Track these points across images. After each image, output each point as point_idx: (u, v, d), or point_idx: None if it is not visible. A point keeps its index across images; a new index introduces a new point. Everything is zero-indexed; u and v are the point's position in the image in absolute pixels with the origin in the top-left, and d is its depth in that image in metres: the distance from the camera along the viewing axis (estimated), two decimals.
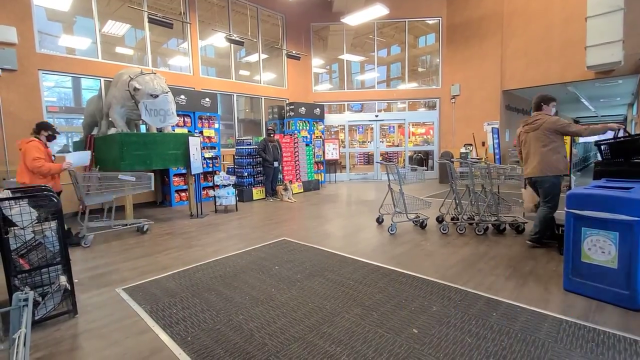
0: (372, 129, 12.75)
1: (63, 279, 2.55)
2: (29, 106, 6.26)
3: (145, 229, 5.32)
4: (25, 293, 1.44)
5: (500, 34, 10.32)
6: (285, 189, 8.13)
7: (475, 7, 10.76)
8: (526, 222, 4.75)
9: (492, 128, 8.84)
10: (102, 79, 7.27)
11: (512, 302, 2.68)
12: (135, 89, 5.74)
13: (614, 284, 2.59)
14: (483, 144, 10.67)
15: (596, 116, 21.36)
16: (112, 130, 6.51)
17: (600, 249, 2.64)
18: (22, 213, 2.47)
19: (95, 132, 7.28)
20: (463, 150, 10.26)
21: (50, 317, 2.55)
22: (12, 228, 2.47)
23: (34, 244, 2.55)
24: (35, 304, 2.46)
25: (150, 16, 7.27)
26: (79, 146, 7.22)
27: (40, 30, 6.47)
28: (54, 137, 4.71)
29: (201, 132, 8.07)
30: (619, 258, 2.55)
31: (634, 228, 2.45)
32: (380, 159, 12.10)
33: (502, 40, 10.31)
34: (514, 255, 3.79)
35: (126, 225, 5.37)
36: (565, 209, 2.83)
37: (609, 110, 18.50)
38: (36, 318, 2.46)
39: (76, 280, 3.29)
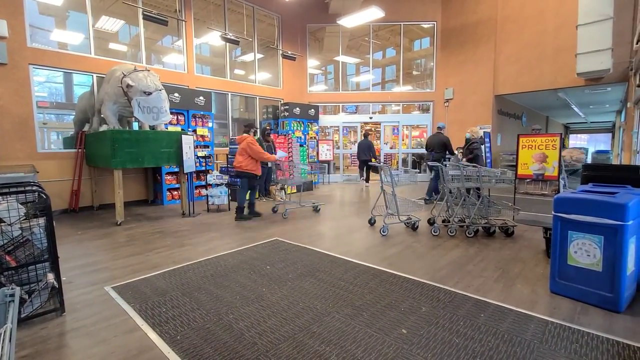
0: (366, 130, 12.77)
1: (50, 277, 2.52)
2: (18, 101, 6.16)
3: (318, 209, 6.46)
4: (12, 289, 1.42)
5: (494, 40, 10.46)
6: (281, 189, 8.12)
7: (470, 12, 10.90)
8: (515, 226, 4.82)
9: (484, 132, 8.95)
10: (95, 75, 7.18)
11: (499, 303, 2.72)
12: (129, 86, 5.70)
13: (599, 286, 2.64)
14: None
15: (586, 122, 21.77)
16: (104, 127, 6.44)
17: (585, 252, 2.70)
18: (9, 209, 2.43)
19: (86, 128, 7.20)
20: (455, 153, 10.35)
21: (37, 315, 2.51)
22: None
23: (22, 240, 2.52)
24: (22, 301, 2.43)
25: (144, 13, 7.21)
26: (69, 142, 7.13)
27: (31, 24, 6.37)
28: (255, 133, 6.58)
29: (195, 131, 8.02)
30: (603, 261, 2.61)
31: (618, 232, 2.51)
32: (374, 161, 12.14)
33: (496, 46, 10.46)
34: (503, 257, 3.84)
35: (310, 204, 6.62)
36: (552, 212, 2.88)
37: (598, 116, 18.88)
38: (22, 316, 2.42)
39: (64, 278, 3.24)
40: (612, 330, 2.33)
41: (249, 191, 6.12)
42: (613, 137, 20.08)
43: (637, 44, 6.83)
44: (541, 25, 9.58)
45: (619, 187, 3.05)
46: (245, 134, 6.01)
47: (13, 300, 1.40)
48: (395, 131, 13.05)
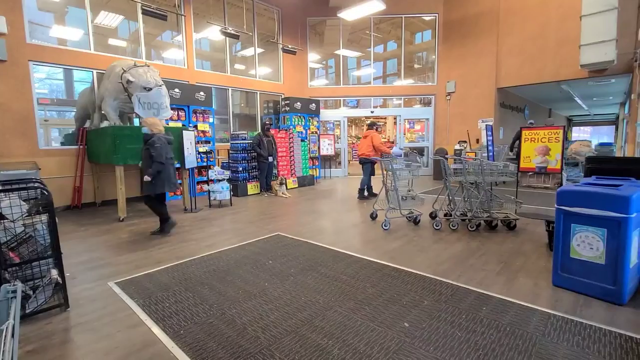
0: (367, 125, 12.72)
1: (54, 273, 2.54)
2: (19, 97, 6.16)
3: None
4: (14, 285, 1.43)
5: (496, 32, 10.34)
6: (281, 184, 8.11)
7: (472, 4, 10.76)
8: (518, 219, 4.81)
9: (486, 125, 8.89)
10: (95, 71, 7.16)
11: (502, 296, 2.72)
12: (129, 82, 5.68)
13: (601, 279, 2.64)
14: (477, 141, 10.74)
15: (589, 114, 21.58)
16: (105, 123, 6.44)
17: (588, 245, 2.69)
18: (12, 206, 2.44)
19: (87, 124, 7.20)
20: (457, 147, 10.32)
21: (42, 310, 2.54)
22: (1, 221, 2.44)
23: (25, 237, 2.53)
24: (26, 297, 2.45)
25: (144, 7, 7.15)
26: (70, 139, 7.13)
27: (30, 21, 6.33)
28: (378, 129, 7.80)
29: (195, 126, 8.01)
30: (606, 254, 2.60)
31: (622, 225, 2.50)
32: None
33: (498, 38, 10.34)
34: (505, 251, 3.84)
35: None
36: (555, 205, 2.87)
37: (601, 109, 18.71)
38: (27, 311, 2.44)
39: (68, 274, 3.27)
40: (615, 322, 2.33)
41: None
42: (616, 129, 19.91)
43: None
44: (544, 16, 9.45)
45: (623, 179, 3.03)
46: (370, 130, 7.40)
47: (15, 297, 1.41)
48: (409, 124, 12.96)
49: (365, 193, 7.48)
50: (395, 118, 12.81)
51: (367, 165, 7.35)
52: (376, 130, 7.49)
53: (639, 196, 2.54)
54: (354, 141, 16.76)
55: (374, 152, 7.16)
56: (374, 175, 7.49)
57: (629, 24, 8.02)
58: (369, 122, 7.93)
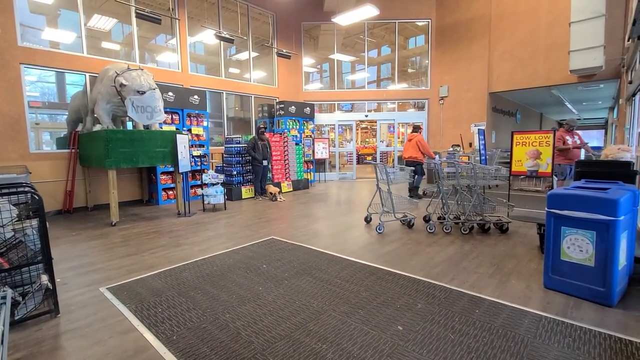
0: (362, 128, 12.79)
1: (44, 278, 2.50)
2: (10, 101, 6.08)
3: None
4: (3, 291, 1.41)
5: (488, 37, 10.50)
6: (274, 198, 7.89)
7: (464, 9, 10.93)
8: (510, 222, 4.86)
9: (479, 129, 8.99)
10: (87, 75, 7.11)
11: (494, 299, 2.75)
12: (122, 85, 5.65)
13: (591, 281, 2.68)
14: (470, 144, 10.85)
15: (579, 119, 21.95)
16: (98, 127, 6.39)
17: (578, 247, 2.73)
18: (1, 210, 2.40)
19: (79, 128, 7.13)
20: (450, 150, 10.40)
21: (31, 317, 2.49)
22: None
23: (14, 242, 2.49)
24: (16, 303, 2.41)
25: (137, 11, 7.14)
26: (62, 143, 7.06)
27: (22, 23, 6.28)
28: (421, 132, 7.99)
29: (189, 130, 7.98)
30: (595, 256, 2.64)
31: (610, 227, 2.54)
32: (370, 158, 12.16)
33: (490, 43, 10.51)
34: (498, 253, 3.88)
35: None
36: (546, 208, 2.91)
37: (591, 113, 19.04)
38: (16, 318, 2.40)
39: (58, 280, 3.23)
40: (604, 324, 2.37)
41: (416, 176, 7.63)
42: (606, 133, 20.27)
43: (628, 41, 6.89)
44: (534, 22, 9.63)
45: (611, 182, 3.09)
46: (414, 133, 7.71)
47: (4, 303, 1.39)
48: (391, 129, 13.05)
49: (420, 192, 7.88)
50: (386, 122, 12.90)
51: (418, 168, 7.65)
52: (420, 133, 7.75)
53: (626, 199, 2.60)
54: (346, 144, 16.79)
55: (421, 155, 7.54)
56: (424, 175, 7.91)
57: (616, 31, 8.21)
58: (413, 125, 8.19)
